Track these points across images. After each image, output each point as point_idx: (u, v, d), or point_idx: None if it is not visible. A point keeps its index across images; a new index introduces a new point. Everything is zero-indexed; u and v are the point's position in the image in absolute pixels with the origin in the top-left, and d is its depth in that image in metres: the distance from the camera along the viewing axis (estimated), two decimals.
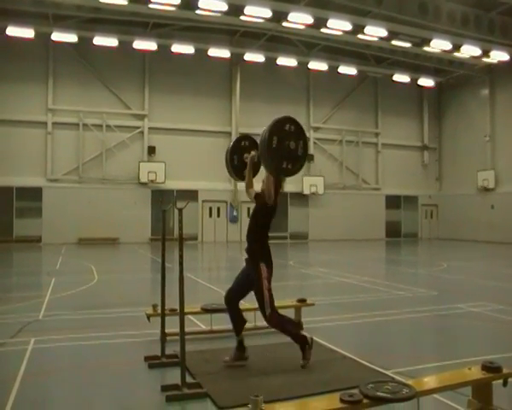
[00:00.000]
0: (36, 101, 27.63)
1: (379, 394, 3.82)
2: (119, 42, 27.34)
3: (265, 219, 6.27)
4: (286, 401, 4.77)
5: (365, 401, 3.78)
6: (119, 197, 28.58)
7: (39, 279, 15.03)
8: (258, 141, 6.10)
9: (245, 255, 6.29)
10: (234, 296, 6.30)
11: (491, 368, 4.43)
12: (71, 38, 26.46)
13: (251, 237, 6.28)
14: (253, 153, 6.55)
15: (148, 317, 7.42)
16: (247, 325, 7.89)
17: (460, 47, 27.58)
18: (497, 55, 28.81)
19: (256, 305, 6.21)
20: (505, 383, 4.45)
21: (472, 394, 4.47)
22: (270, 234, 6.25)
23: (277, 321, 6.14)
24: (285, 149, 5.81)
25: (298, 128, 6.02)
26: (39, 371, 6.11)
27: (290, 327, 6.27)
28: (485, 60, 29.86)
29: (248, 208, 30.75)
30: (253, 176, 6.63)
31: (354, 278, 14.37)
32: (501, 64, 30.38)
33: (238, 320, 6.30)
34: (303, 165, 6.08)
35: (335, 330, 8.20)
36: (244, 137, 7.13)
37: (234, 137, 30.17)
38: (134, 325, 8.17)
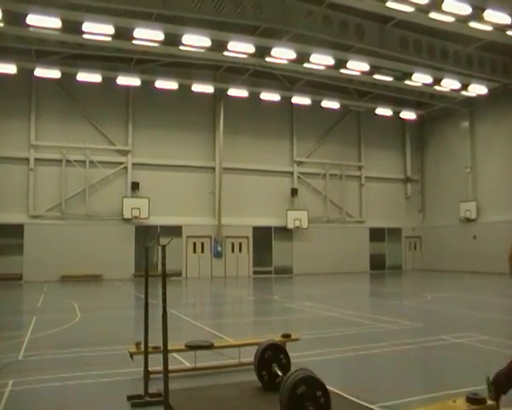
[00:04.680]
0: (18, 137, 27.43)
1: None
2: (103, 77, 27.48)
3: None
4: None
5: None
6: (103, 233, 28.32)
7: (20, 318, 14.75)
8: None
9: None
10: None
11: (476, 400, 4.44)
12: (54, 73, 26.53)
13: None
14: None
15: (131, 355, 7.32)
16: (232, 362, 7.85)
17: (440, 81, 28.35)
18: (476, 89, 29.59)
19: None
20: None
21: None
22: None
23: None
24: None
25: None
26: None
27: None
28: (464, 93, 30.56)
29: (232, 243, 30.74)
30: None
31: (339, 312, 14.31)
32: (480, 97, 31.09)
33: None
34: None
35: (321, 365, 8.09)
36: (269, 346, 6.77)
37: (217, 172, 30.48)
38: (117, 364, 8.02)
